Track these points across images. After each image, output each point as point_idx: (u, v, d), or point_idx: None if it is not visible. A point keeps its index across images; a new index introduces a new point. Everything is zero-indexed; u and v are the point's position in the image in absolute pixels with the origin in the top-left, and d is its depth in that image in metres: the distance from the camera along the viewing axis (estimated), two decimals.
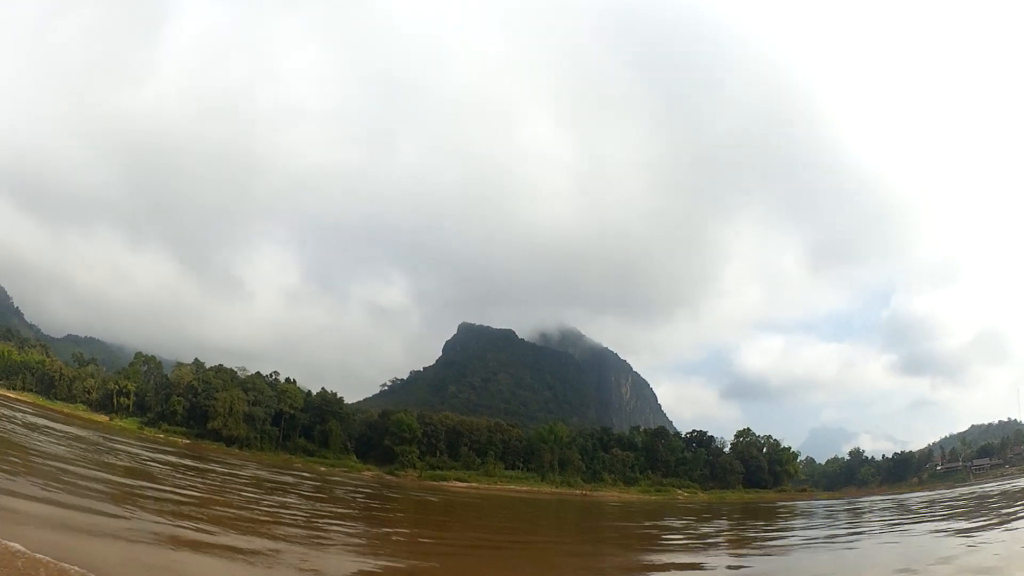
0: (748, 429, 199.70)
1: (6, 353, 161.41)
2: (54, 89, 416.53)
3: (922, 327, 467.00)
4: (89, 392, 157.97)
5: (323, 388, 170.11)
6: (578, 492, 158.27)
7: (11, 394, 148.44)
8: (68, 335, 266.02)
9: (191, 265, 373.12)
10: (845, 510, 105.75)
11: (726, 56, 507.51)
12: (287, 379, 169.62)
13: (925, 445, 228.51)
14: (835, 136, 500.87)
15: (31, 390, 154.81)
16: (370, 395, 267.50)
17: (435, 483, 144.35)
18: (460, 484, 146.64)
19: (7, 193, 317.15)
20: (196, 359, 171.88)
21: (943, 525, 60.14)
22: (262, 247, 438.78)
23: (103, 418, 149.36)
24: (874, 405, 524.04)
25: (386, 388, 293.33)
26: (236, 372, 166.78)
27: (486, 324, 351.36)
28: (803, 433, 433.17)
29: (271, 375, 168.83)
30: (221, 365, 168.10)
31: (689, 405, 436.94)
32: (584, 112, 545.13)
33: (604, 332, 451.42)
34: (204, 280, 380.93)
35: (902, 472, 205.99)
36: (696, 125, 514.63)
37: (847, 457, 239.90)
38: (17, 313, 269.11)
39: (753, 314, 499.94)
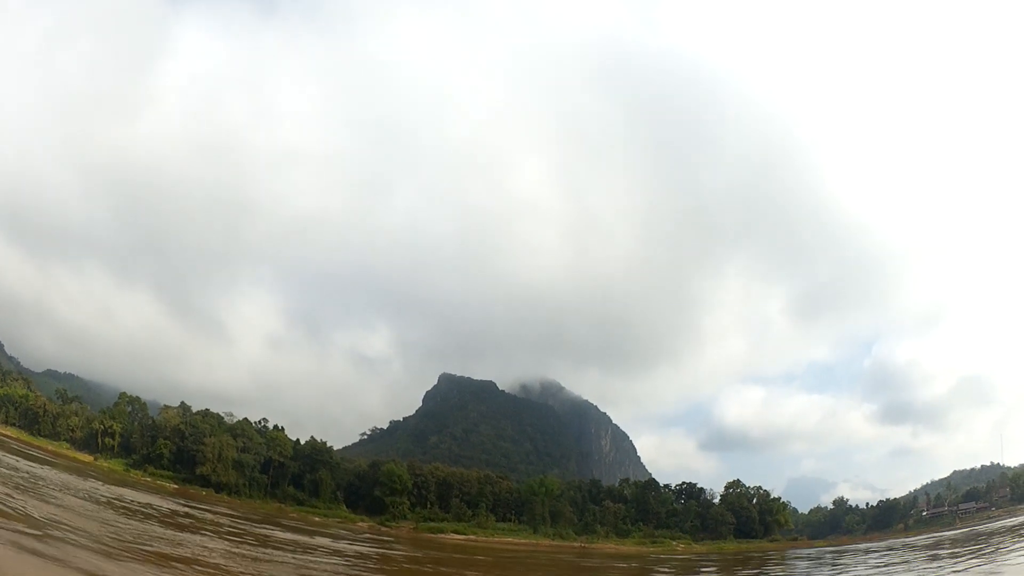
0: (738, 480, 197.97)
1: None
2: (47, 119, 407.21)
3: (903, 375, 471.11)
4: (73, 430, 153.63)
5: (312, 437, 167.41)
6: (576, 544, 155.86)
7: None
8: (48, 370, 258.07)
9: (175, 306, 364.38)
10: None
11: (716, 108, 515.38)
12: (276, 426, 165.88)
13: (905, 492, 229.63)
14: (821, 186, 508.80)
15: (14, 424, 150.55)
16: (349, 443, 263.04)
17: (432, 535, 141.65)
18: (458, 536, 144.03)
19: None
20: (182, 402, 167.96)
21: None
22: (248, 291, 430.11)
23: (87, 457, 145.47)
24: (854, 454, 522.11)
25: (366, 437, 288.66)
26: (223, 417, 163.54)
27: (467, 375, 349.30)
28: (781, 483, 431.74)
29: (260, 422, 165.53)
30: (208, 410, 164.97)
31: (668, 457, 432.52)
32: (575, 163, 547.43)
33: (584, 384, 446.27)
34: (187, 322, 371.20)
35: (887, 519, 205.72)
36: (684, 177, 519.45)
37: (831, 506, 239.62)
38: None
39: (735, 366, 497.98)
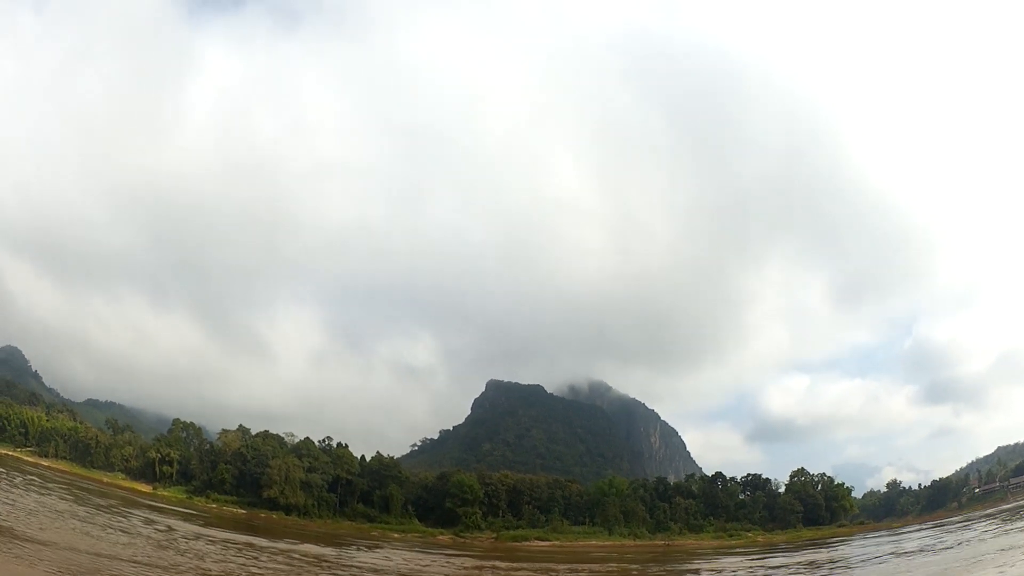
0: (803, 468, 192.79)
1: (36, 419, 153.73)
2: (74, 144, 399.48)
3: (943, 354, 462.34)
4: (128, 460, 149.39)
5: (378, 452, 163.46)
6: (660, 543, 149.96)
7: (45, 462, 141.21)
8: (88, 399, 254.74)
9: (214, 326, 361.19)
10: None
11: (750, 97, 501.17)
12: (339, 444, 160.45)
13: (948, 472, 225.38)
14: (856, 169, 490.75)
15: (64, 458, 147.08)
16: (398, 455, 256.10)
17: (516, 544, 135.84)
18: (542, 543, 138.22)
19: (24, 252, 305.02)
20: (240, 425, 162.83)
21: None
22: (288, 307, 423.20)
23: (145, 487, 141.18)
24: (897, 438, 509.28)
25: (416, 448, 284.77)
26: (283, 438, 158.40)
27: (514, 380, 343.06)
28: (827, 470, 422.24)
29: (323, 440, 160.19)
30: (267, 431, 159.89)
31: (715, 451, 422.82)
32: (612, 162, 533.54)
33: (631, 382, 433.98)
34: (227, 342, 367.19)
35: (941, 499, 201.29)
36: (721, 169, 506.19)
37: (883, 489, 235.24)
38: (36, 377, 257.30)
39: (778, 355, 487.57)
